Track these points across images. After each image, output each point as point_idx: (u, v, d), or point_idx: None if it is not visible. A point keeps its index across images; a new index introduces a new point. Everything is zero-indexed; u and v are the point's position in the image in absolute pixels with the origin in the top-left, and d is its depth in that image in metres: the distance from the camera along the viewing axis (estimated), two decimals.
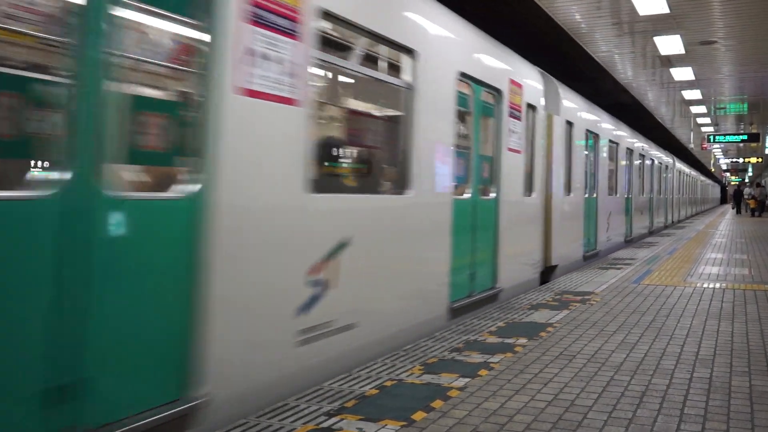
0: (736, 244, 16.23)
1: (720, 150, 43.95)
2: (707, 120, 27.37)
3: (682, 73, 16.64)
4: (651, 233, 20.74)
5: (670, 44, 13.51)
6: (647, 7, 11.02)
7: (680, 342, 5.60)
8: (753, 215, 35.45)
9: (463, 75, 6.69)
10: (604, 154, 13.99)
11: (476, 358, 4.98)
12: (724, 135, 28.70)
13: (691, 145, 35.76)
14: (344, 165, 5.76)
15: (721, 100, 21.53)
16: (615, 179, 15.28)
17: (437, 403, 3.92)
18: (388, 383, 4.31)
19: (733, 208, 43.75)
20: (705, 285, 9.03)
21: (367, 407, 3.83)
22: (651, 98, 20.93)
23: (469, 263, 6.93)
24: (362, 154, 6.15)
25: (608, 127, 14.58)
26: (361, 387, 4.22)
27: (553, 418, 3.69)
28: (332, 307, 4.52)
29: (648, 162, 20.21)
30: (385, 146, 6.39)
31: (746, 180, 69.16)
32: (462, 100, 6.78)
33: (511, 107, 8.00)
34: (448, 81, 6.34)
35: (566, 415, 3.75)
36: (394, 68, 5.98)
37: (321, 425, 3.54)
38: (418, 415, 3.71)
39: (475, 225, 7.03)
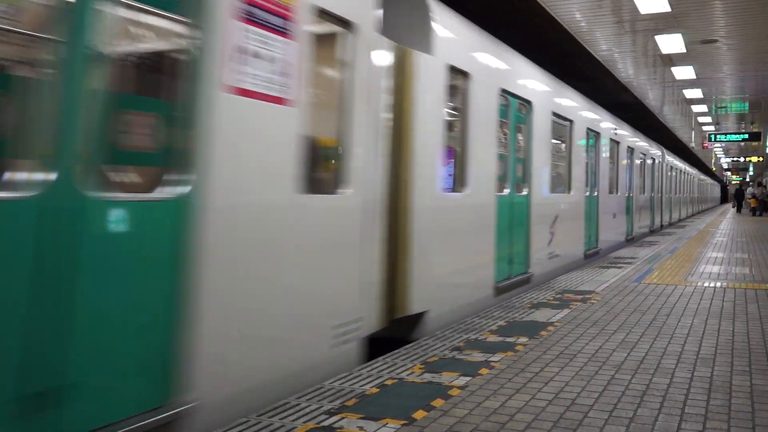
0: (736, 244, 16.22)
1: (721, 149, 44.03)
2: (708, 119, 27.41)
3: (683, 72, 16.65)
4: (630, 240, 16.81)
5: (671, 43, 13.51)
6: (648, 6, 11.01)
7: (681, 341, 5.59)
8: (754, 214, 35.45)
9: None
10: (546, 135, 9.75)
11: (477, 356, 4.98)
12: (725, 134, 28.76)
13: (692, 144, 35.78)
14: None
15: (722, 99, 21.55)
16: (569, 171, 11.29)
17: (438, 402, 3.91)
18: (389, 382, 4.31)
19: (734, 207, 43.77)
20: (706, 284, 9.02)
21: (368, 406, 3.83)
22: (652, 97, 20.93)
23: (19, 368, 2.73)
24: None
25: (551, 93, 10.10)
26: (361, 386, 4.22)
27: (553, 417, 3.69)
28: None
29: (626, 152, 16.43)
30: None
31: (747, 179, 69.22)
32: None
33: (252, 2, 3.92)
34: None
35: (567, 414, 3.75)
36: None
37: (322, 424, 3.54)
38: (419, 414, 3.70)
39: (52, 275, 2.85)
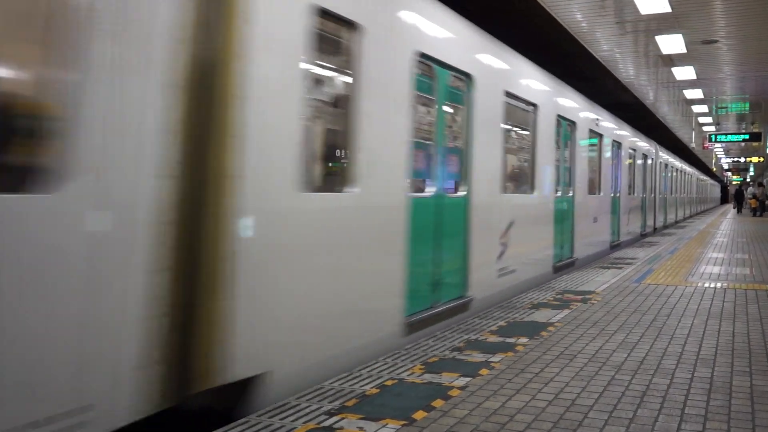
0: (737, 244, 16.22)
1: (721, 149, 44.02)
2: (709, 119, 27.41)
3: (684, 73, 16.65)
4: (616, 247, 14.94)
5: (671, 43, 13.51)
6: (649, 6, 11.01)
7: (681, 342, 5.59)
8: (754, 215, 35.45)
9: None
10: (495, 120, 7.66)
11: (477, 357, 4.98)
12: (726, 134, 28.78)
13: (693, 145, 35.81)
14: None
15: (722, 99, 21.55)
16: (532, 167, 9.32)
17: (438, 402, 3.92)
18: (389, 382, 4.31)
19: (734, 208, 43.79)
20: (706, 284, 9.02)
21: (368, 406, 3.83)
22: (652, 97, 20.93)
23: None
24: None
25: (503, 67, 7.98)
26: (361, 386, 4.22)
27: (553, 418, 3.69)
28: None
29: (611, 147, 14.51)
30: None
31: (748, 179, 69.25)
32: None
33: None
34: None
35: (567, 414, 3.75)
36: None
37: (322, 424, 3.54)
38: (419, 414, 3.70)
39: None
